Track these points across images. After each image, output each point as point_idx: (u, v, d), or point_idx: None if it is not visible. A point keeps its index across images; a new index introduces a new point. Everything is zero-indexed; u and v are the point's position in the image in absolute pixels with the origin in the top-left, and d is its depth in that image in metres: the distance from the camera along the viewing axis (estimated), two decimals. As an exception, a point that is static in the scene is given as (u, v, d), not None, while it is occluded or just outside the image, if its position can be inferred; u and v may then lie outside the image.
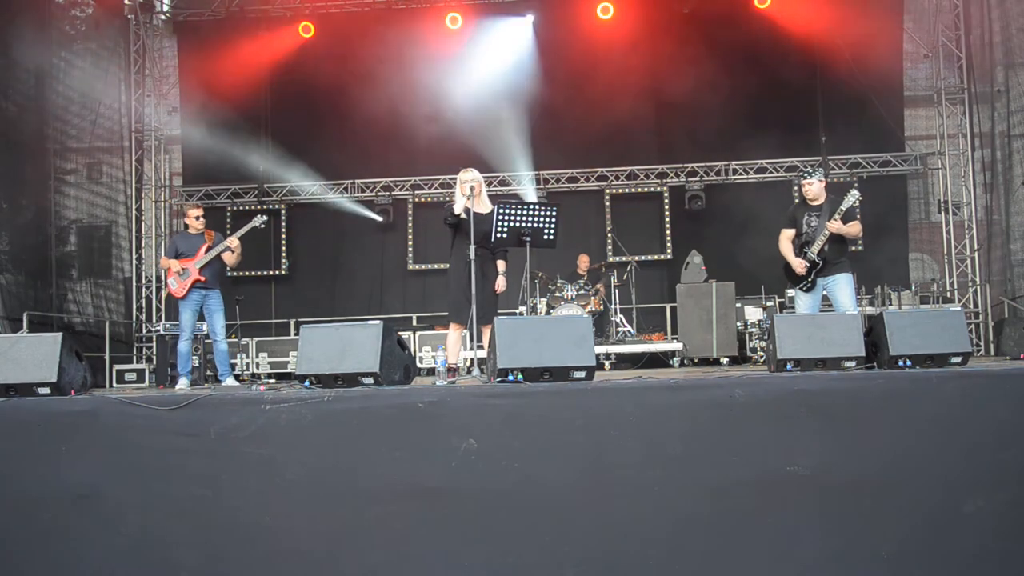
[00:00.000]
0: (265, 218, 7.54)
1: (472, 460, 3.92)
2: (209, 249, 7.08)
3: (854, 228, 6.11)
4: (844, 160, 11.50)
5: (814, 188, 6.15)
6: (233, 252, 7.17)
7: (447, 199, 9.66)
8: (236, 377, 9.17)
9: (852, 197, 5.95)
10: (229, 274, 11.58)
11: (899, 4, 11.44)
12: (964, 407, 3.94)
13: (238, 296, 9.44)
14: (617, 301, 10.27)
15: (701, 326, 9.89)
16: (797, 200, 6.46)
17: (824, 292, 6.19)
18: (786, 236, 6.26)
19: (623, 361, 9.96)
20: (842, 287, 6.03)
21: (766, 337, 7.67)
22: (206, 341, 8.50)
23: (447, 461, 3.93)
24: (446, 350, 5.51)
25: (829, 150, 11.22)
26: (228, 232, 8.33)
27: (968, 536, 3.82)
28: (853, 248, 10.77)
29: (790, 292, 9.94)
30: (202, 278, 7.03)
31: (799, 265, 6.08)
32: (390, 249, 12.24)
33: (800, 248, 6.14)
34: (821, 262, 6.04)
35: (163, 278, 11.88)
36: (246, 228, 7.30)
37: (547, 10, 11.51)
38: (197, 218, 7.20)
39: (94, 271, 11.73)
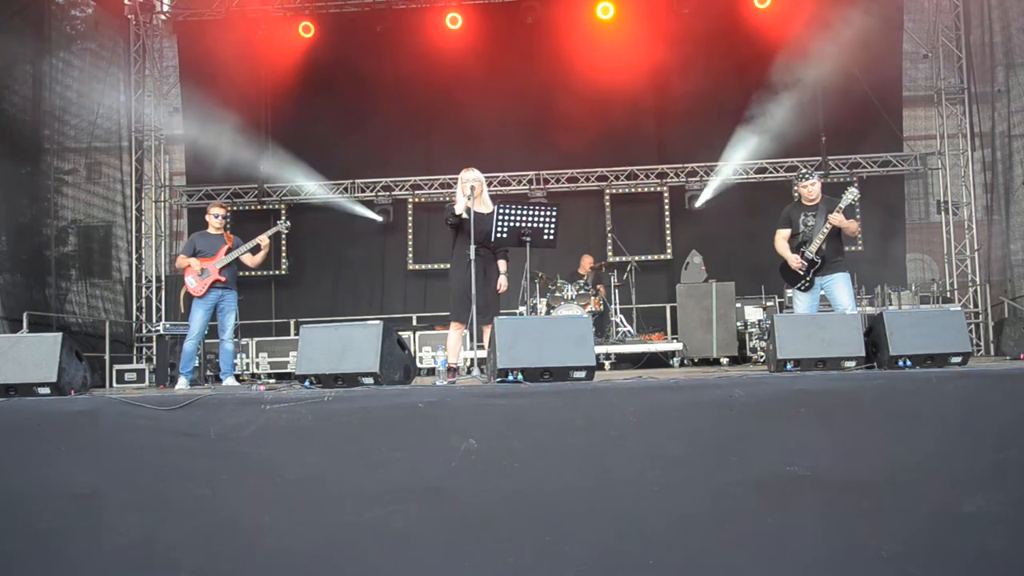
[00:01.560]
0: (289, 223, 7.60)
1: (472, 460, 3.92)
2: (230, 251, 7.10)
3: (853, 224, 6.13)
4: (844, 160, 11.50)
5: (816, 188, 6.16)
6: (261, 250, 7.18)
7: (447, 199, 9.67)
8: (236, 377, 9.17)
9: (851, 194, 5.97)
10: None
11: (899, 4, 11.44)
12: (964, 407, 3.94)
13: (238, 296, 9.43)
14: (617, 301, 10.27)
15: (701, 326, 9.89)
16: (793, 201, 6.46)
17: (822, 292, 6.19)
18: (782, 236, 6.27)
19: (623, 361, 9.96)
20: (840, 286, 6.04)
21: (766, 337, 7.68)
22: (207, 341, 8.49)
23: (447, 461, 3.93)
24: (446, 350, 5.51)
25: (829, 150, 11.23)
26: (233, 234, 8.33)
27: (968, 536, 3.83)
28: (852, 248, 10.82)
29: (789, 292, 9.95)
30: (222, 278, 7.05)
31: (795, 261, 6.08)
32: (390, 249, 12.24)
33: (797, 248, 6.15)
34: (819, 261, 6.05)
35: (162, 277, 11.89)
36: (271, 231, 7.30)
37: (547, 10, 11.50)
38: (217, 216, 7.19)
39: (94, 271, 11.72)
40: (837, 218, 5.94)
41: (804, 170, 6.33)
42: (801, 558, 3.84)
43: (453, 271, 6.11)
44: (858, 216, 6.30)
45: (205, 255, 7.09)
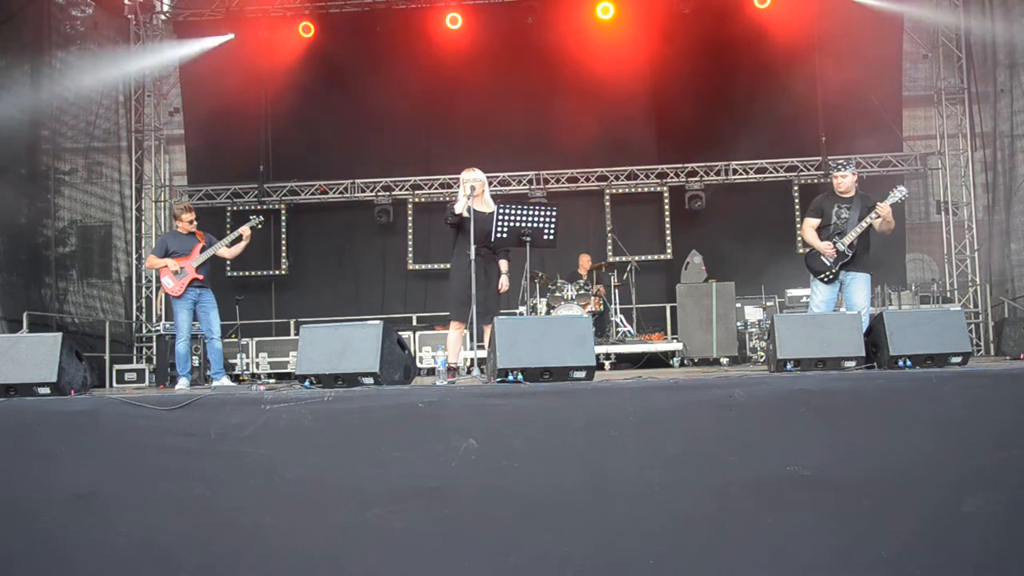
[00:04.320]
0: (261, 218, 7.51)
1: (472, 460, 3.92)
2: (204, 249, 7.08)
3: (893, 222, 6.07)
4: (844, 160, 11.46)
5: (847, 181, 6.12)
6: (242, 240, 7.16)
7: (447, 199, 9.67)
8: (236, 377, 9.16)
9: (899, 192, 5.95)
10: (230, 274, 11.60)
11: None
12: (964, 407, 3.94)
13: (238, 296, 9.44)
14: (617, 301, 10.27)
15: (701, 326, 9.88)
16: (825, 192, 6.44)
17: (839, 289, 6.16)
18: (810, 225, 6.19)
19: (623, 361, 9.95)
20: (861, 286, 6.01)
21: (766, 337, 7.68)
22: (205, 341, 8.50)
23: (447, 461, 3.93)
24: (446, 350, 5.51)
25: (829, 150, 11.22)
26: (227, 232, 8.32)
27: (968, 536, 3.83)
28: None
29: (791, 292, 9.96)
30: (199, 277, 7.03)
31: (829, 249, 6.00)
32: (390, 249, 12.24)
33: (826, 239, 6.07)
34: (850, 254, 6.00)
35: (154, 277, 11.85)
36: (251, 224, 7.26)
37: (547, 10, 11.50)
38: (191, 222, 7.16)
39: (94, 271, 11.72)
40: (886, 208, 5.87)
41: (842, 160, 6.31)
42: (801, 558, 3.84)
43: (454, 271, 6.10)
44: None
45: (179, 255, 7.05)
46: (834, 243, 6.03)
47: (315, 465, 3.98)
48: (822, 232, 6.15)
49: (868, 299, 6.05)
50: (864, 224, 5.95)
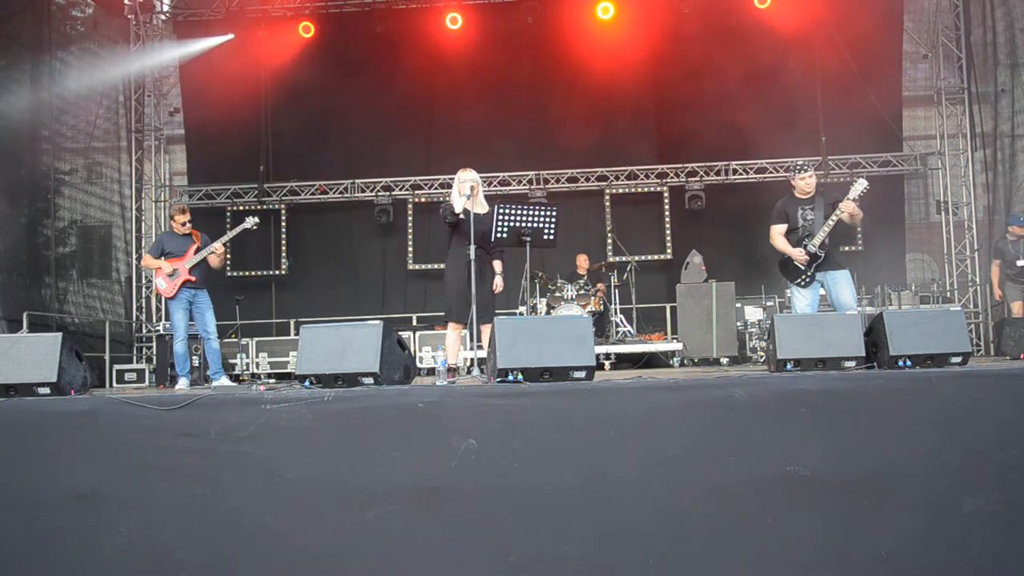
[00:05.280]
0: (257, 219, 7.53)
1: (472, 460, 3.92)
2: (199, 250, 7.09)
3: (859, 212, 6.04)
4: (844, 160, 11.50)
5: (812, 181, 6.10)
6: (217, 256, 7.18)
7: (446, 199, 9.67)
8: (236, 377, 9.16)
9: (861, 185, 5.90)
10: (230, 274, 11.60)
11: (899, 4, 11.45)
12: (964, 407, 3.94)
13: (238, 296, 9.43)
14: (617, 301, 10.27)
15: (701, 326, 9.88)
16: (784, 197, 6.39)
17: (822, 291, 6.15)
18: (778, 232, 6.16)
19: (623, 361, 9.95)
20: (843, 284, 6.00)
21: (766, 337, 7.68)
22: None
23: (447, 461, 3.93)
24: (445, 350, 5.51)
25: (829, 150, 11.22)
26: (226, 231, 8.32)
27: (968, 536, 3.83)
28: (851, 248, 10.82)
29: (788, 292, 9.95)
30: (192, 278, 7.04)
31: (800, 255, 5.99)
32: (390, 249, 12.23)
33: (797, 242, 6.07)
34: (822, 255, 6.00)
35: (150, 277, 11.84)
36: (237, 230, 7.32)
37: (547, 10, 11.50)
38: (184, 224, 7.17)
39: (94, 271, 11.73)
40: (851, 206, 5.82)
41: (801, 162, 6.26)
42: (801, 558, 3.84)
43: (449, 271, 6.10)
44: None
45: (174, 256, 7.07)
46: (805, 246, 6.00)
47: (315, 465, 3.98)
48: (790, 236, 6.12)
49: (854, 295, 6.04)
50: (832, 222, 5.92)
